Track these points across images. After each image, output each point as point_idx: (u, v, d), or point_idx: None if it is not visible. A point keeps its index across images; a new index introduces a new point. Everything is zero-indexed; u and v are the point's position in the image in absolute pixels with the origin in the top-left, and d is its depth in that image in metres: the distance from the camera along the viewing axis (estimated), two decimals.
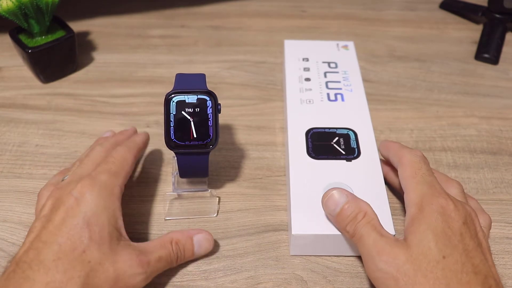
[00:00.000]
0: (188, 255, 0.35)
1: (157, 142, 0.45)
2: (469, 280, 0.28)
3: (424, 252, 0.29)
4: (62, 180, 0.35)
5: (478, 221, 0.32)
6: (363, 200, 0.34)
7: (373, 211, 0.33)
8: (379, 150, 0.40)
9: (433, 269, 0.29)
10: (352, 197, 0.34)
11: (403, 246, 0.30)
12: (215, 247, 0.37)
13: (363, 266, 0.36)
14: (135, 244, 0.33)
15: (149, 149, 0.44)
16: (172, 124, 0.35)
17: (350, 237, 0.33)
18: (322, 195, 0.37)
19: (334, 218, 0.34)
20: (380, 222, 0.33)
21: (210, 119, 0.35)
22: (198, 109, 0.35)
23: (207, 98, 0.35)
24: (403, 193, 0.34)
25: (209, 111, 0.35)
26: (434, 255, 0.29)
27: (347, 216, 0.33)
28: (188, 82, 0.36)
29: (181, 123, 0.35)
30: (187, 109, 0.35)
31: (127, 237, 0.33)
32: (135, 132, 0.42)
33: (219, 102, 0.36)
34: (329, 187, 0.37)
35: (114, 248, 0.31)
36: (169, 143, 0.35)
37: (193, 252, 0.35)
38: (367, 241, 0.31)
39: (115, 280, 0.30)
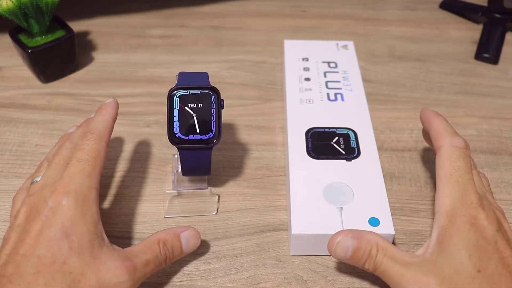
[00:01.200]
0: (177, 254, 0.34)
1: (157, 142, 0.45)
2: None
3: (458, 269, 0.28)
4: (32, 183, 0.33)
5: (508, 223, 0.31)
6: (368, 232, 0.32)
7: (383, 238, 0.32)
8: (420, 117, 0.38)
9: (469, 286, 0.28)
10: (358, 236, 0.32)
11: (433, 268, 0.29)
12: (215, 247, 0.37)
13: None
14: (120, 249, 0.31)
15: (149, 149, 0.44)
16: (175, 119, 0.35)
17: (372, 272, 0.32)
18: (322, 195, 0.37)
19: (349, 261, 0.32)
20: (394, 247, 0.31)
21: (213, 115, 0.35)
22: (201, 104, 0.35)
23: (210, 94, 0.35)
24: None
25: (213, 106, 0.35)
26: (469, 271, 0.28)
27: (361, 257, 0.32)
28: (191, 79, 0.36)
29: (184, 118, 0.35)
30: (190, 105, 0.35)
31: (109, 242, 0.31)
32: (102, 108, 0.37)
33: (222, 98, 0.36)
34: (329, 187, 0.37)
35: (96, 256, 0.29)
36: (172, 139, 0.35)
37: (181, 250, 0.34)
38: (392, 274, 0.30)
39: None
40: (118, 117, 0.47)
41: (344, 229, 0.35)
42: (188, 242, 0.34)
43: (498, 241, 0.29)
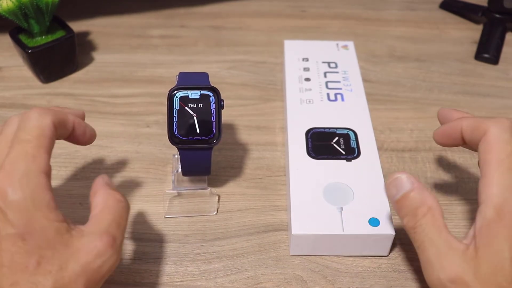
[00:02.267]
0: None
1: (157, 142, 0.45)
2: None
3: (496, 271, 0.25)
4: None
5: None
6: (430, 193, 0.29)
7: (440, 207, 0.28)
8: (438, 117, 0.35)
9: None
10: (419, 187, 0.29)
11: (472, 259, 0.26)
12: (215, 247, 0.37)
13: (363, 266, 0.36)
14: (85, 227, 0.28)
15: (149, 149, 0.44)
16: (175, 119, 0.35)
17: (408, 231, 0.29)
18: (322, 195, 0.37)
19: (393, 204, 0.30)
20: (445, 223, 0.28)
21: (213, 115, 0.35)
22: (202, 104, 0.35)
23: (210, 94, 0.35)
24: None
25: (212, 106, 0.35)
26: (507, 275, 0.25)
27: (406, 206, 0.29)
28: (191, 79, 0.36)
29: (185, 118, 0.35)
30: (190, 105, 0.35)
31: (73, 224, 0.28)
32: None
33: (222, 98, 0.36)
34: (329, 187, 0.37)
35: (69, 244, 0.26)
36: (173, 139, 0.35)
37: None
38: (429, 249, 0.28)
39: (86, 278, 0.26)
40: (118, 117, 0.48)
41: (345, 228, 0.35)
42: (109, 179, 0.31)
43: None
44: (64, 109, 0.32)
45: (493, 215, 0.27)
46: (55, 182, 0.41)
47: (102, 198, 0.30)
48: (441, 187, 0.42)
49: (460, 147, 0.45)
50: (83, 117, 0.34)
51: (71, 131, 0.32)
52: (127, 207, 0.30)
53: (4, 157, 0.27)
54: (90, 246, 0.27)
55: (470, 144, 0.31)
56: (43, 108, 0.29)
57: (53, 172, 0.42)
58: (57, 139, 0.30)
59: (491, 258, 0.26)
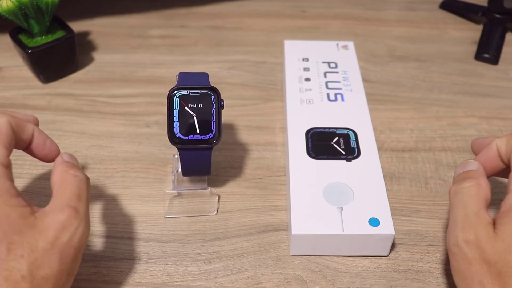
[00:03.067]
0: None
1: (157, 142, 0.45)
2: None
3: (509, 248, 0.27)
4: None
5: None
6: (488, 183, 0.30)
7: (489, 193, 0.30)
8: (472, 149, 0.36)
9: (510, 270, 0.27)
10: (482, 173, 0.31)
11: (491, 235, 0.28)
12: (215, 247, 0.37)
13: (363, 266, 0.36)
14: (48, 207, 0.28)
15: (149, 149, 0.44)
16: (175, 119, 0.35)
17: (449, 196, 0.31)
18: (322, 195, 0.37)
19: (455, 175, 0.32)
20: (485, 203, 0.30)
21: (213, 115, 0.35)
22: (201, 104, 0.35)
23: (210, 94, 0.35)
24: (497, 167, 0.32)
25: (213, 106, 0.35)
26: None
27: (459, 176, 0.31)
28: (191, 79, 0.36)
29: (184, 118, 0.35)
30: (190, 105, 0.35)
31: (36, 206, 0.28)
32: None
33: (222, 98, 0.36)
34: (329, 187, 0.37)
35: (35, 226, 0.27)
36: (173, 139, 0.35)
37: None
38: (459, 211, 0.29)
39: (59, 253, 0.27)
40: (118, 117, 0.48)
41: (345, 228, 0.35)
42: (69, 156, 0.32)
43: None
44: (23, 116, 0.32)
45: None
46: None
47: (58, 176, 0.30)
48: (441, 187, 0.42)
49: (460, 147, 0.46)
50: (36, 123, 0.33)
51: (30, 141, 0.31)
52: (86, 180, 0.30)
53: None
54: (54, 222, 0.27)
55: (508, 160, 0.32)
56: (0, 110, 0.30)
57: None
58: (15, 147, 0.30)
59: (508, 237, 0.27)
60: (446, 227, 0.37)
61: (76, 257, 0.28)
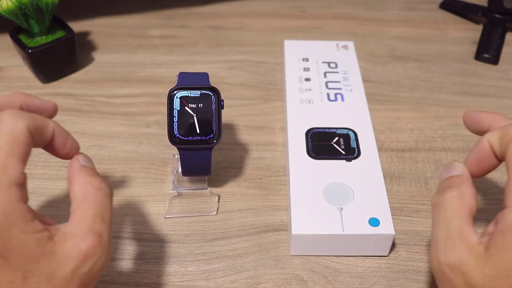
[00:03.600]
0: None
1: (157, 142, 0.45)
2: None
3: (502, 275, 0.24)
4: None
5: None
6: (473, 188, 0.28)
7: (474, 202, 0.27)
8: (464, 122, 0.33)
9: None
10: (466, 178, 0.28)
11: (479, 256, 0.25)
12: (215, 247, 0.37)
13: (363, 266, 0.36)
14: (68, 227, 0.26)
15: (149, 149, 0.44)
16: (175, 119, 0.35)
17: (432, 207, 0.28)
18: (322, 195, 0.37)
19: (440, 181, 0.30)
20: (472, 214, 0.27)
21: (213, 115, 0.35)
22: (202, 104, 0.35)
23: (211, 94, 0.35)
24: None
25: (213, 106, 0.35)
26: (507, 284, 0.24)
27: (443, 184, 0.28)
28: (191, 79, 0.36)
29: (185, 118, 0.35)
30: (190, 105, 0.35)
31: (53, 228, 0.26)
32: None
33: (222, 98, 0.36)
34: (329, 187, 0.37)
35: (53, 253, 0.25)
36: (173, 139, 0.35)
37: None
38: (441, 230, 0.27)
39: (78, 282, 0.25)
40: (118, 117, 0.48)
41: (345, 228, 0.35)
42: (86, 159, 0.29)
43: None
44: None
45: None
46: (55, 182, 0.41)
47: (79, 188, 0.27)
48: None
49: (460, 147, 0.46)
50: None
51: (50, 140, 0.28)
52: (109, 194, 0.28)
53: None
54: (76, 251, 0.25)
55: (503, 156, 0.29)
56: (17, 110, 0.26)
57: (53, 172, 0.42)
58: (34, 147, 0.27)
59: (501, 262, 0.25)
60: None
61: (93, 283, 0.26)
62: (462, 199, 0.27)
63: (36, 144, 0.27)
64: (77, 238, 0.25)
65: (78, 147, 0.29)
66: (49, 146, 0.28)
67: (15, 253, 0.24)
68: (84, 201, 0.26)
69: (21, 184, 0.25)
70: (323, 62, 0.50)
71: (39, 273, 0.24)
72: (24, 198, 0.25)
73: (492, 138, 0.29)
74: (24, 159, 0.25)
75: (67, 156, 0.29)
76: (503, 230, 0.25)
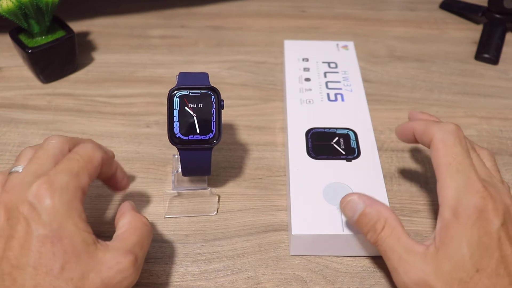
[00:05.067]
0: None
1: (157, 142, 0.45)
2: None
3: (457, 267, 0.27)
4: (10, 173, 0.30)
5: None
6: (383, 205, 0.31)
7: (395, 216, 0.31)
8: (396, 133, 0.37)
9: (465, 285, 0.27)
10: (371, 203, 0.31)
11: (433, 260, 0.28)
12: (215, 247, 0.37)
13: (363, 266, 0.36)
14: (111, 243, 0.30)
15: (149, 149, 0.44)
16: (175, 119, 0.35)
17: (372, 244, 0.31)
18: (322, 195, 0.37)
19: (354, 224, 0.32)
20: (403, 229, 0.30)
21: (213, 115, 0.35)
22: (202, 104, 0.35)
23: (211, 94, 0.35)
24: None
25: (213, 106, 0.35)
26: (468, 270, 0.27)
27: (365, 224, 0.31)
28: (191, 79, 0.36)
29: (185, 118, 0.35)
30: (190, 105, 0.35)
31: (97, 239, 0.29)
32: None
33: (222, 98, 0.36)
34: (329, 187, 0.37)
35: (94, 256, 0.28)
36: (173, 139, 0.35)
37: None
38: (392, 257, 0.30)
39: None
40: (118, 117, 0.48)
41: (345, 228, 0.35)
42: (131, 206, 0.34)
43: (502, 238, 0.28)
44: (110, 152, 0.35)
45: (451, 216, 0.29)
46: None
47: (128, 220, 0.32)
48: None
49: None
50: (113, 156, 0.35)
51: (112, 174, 0.34)
52: (151, 232, 0.32)
53: (46, 167, 0.29)
54: (113, 261, 0.28)
55: (422, 144, 0.34)
56: (97, 143, 0.33)
57: None
58: (98, 177, 0.33)
59: (451, 255, 0.28)
60: None
61: None
62: (390, 223, 0.30)
63: (101, 175, 0.33)
64: (118, 251, 0.29)
65: (128, 184, 0.36)
66: (110, 179, 0.35)
67: (63, 242, 0.27)
68: (131, 229, 0.31)
69: (84, 193, 0.30)
70: (323, 62, 0.50)
71: (75, 269, 0.27)
72: (83, 202, 0.29)
73: (416, 129, 0.33)
74: (92, 176, 0.31)
75: (118, 190, 0.36)
76: (443, 227, 0.29)
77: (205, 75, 0.37)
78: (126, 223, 0.31)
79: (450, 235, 0.28)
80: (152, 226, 0.33)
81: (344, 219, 0.35)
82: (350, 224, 0.35)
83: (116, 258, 0.28)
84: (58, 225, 0.27)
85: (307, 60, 0.50)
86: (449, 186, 0.29)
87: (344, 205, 0.32)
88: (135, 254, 0.29)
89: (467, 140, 0.33)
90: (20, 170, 0.30)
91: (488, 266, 0.27)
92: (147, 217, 0.39)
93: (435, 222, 0.39)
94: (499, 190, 0.30)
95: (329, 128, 0.42)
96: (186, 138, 0.35)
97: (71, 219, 0.28)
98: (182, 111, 0.35)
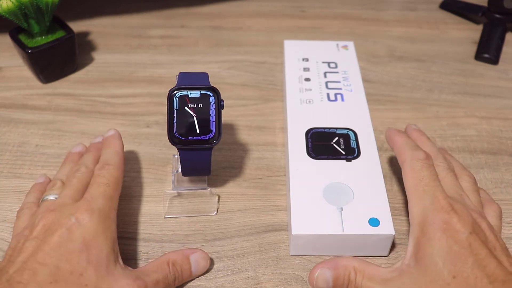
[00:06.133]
0: (186, 276, 0.34)
1: (157, 142, 0.45)
2: None
3: (433, 279, 0.29)
4: (44, 200, 0.34)
5: (487, 222, 0.31)
6: (343, 258, 0.33)
7: (359, 261, 0.32)
8: (386, 137, 0.39)
9: None
10: (334, 265, 0.32)
11: (410, 280, 0.30)
12: (215, 247, 0.37)
13: None
14: (131, 269, 0.32)
15: (149, 149, 0.44)
16: (175, 119, 0.35)
17: None
18: (322, 195, 0.37)
19: None
20: (372, 266, 0.32)
21: (213, 115, 0.35)
22: (201, 104, 0.35)
23: (210, 94, 0.35)
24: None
25: (212, 107, 0.35)
26: (444, 278, 0.28)
27: (341, 284, 0.32)
28: (191, 79, 0.36)
29: (184, 118, 0.35)
30: (190, 105, 0.35)
31: (122, 261, 0.32)
32: (105, 139, 0.39)
33: (222, 98, 0.36)
34: (329, 187, 0.37)
35: (111, 272, 0.30)
36: (172, 139, 0.35)
37: (190, 272, 0.34)
38: None
39: None
40: (118, 117, 0.48)
41: (345, 228, 0.35)
42: (197, 264, 0.34)
43: (472, 243, 0.29)
44: (117, 149, 0.38)
45: (419, 233, 0.31)
46: None
47: (168, 259, 0.34)
48: None
49: (460, 148, 0.46)
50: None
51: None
52: (172, 285, 0.33)
53: (80, 193, 0.34)
54: (124, 281, 0.30)
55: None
56: (116, 162, 0.36)
57: (53, 172, 0.42)
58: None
59: (425, 267, 0.29)
60: None
61: None
62: (360, 271, 0.32)
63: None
64: (131, 276, 0.31)
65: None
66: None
67: (90, 253, 0.30)
68: (157, 267, 0.33)
69: (116, 213, 0.34)
70: (323, 62, 0.50)
71: (91, 278, 0.29)
72: (116, 223, 0.33)
73: (395, 146, 0.37)
74: (119, 197, 0.35)
75: None
76: (414, 244, 0.31)
77: (205, 75, 0.37)
78: (164, 259, 0.33)
79: (421, 250, 0.30)
80: (180, 274, 0.34)
81: (344, 219, 0.35)
82: (350, 224, 0.35)
83: (127, 280, 0.30)
84: (91, 238, 0.30)
85: (307, 60, 0.50)
86: (416, 205, 0.32)
87: (315, 282, 0.33)
88: (146, 283, 0.31)
89: (449, 161, 0.36)
90: (52, 198, 0.34)
91: (463, 271, 0.28)
92: (147, 217, 0.39)
93: None
94: (467, 206, 0.32)
95: (329, 128, 0.42)
96: (186, 138, 0.35)
97: (104, 234, 0.31)
98: (182, 111, 0.35)
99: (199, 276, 0.35)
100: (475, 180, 0.36)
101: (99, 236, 0.31)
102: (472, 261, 0.28)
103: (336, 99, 0.45)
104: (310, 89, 0.46)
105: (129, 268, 0.32)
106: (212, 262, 0.36)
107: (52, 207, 0.32)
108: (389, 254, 0.37)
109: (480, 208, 0.33)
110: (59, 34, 0.50)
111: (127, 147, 0.45)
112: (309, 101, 0.45)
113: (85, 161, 0.37)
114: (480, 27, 0.61)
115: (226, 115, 0.47)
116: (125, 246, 0.37)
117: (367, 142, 0.41)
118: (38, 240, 0.30)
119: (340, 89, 0.46)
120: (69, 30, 0.50)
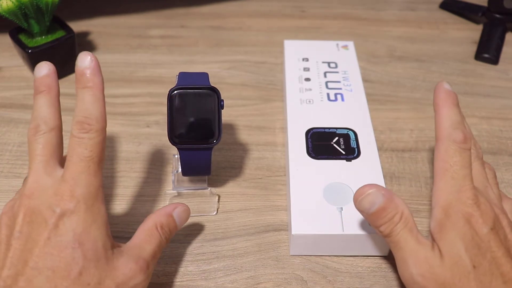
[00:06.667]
0: (173, 233, 0.34)
1: (157, 142, 0.45)
2: None
3: (456, 261, 0.29)
4: (25, 179, 0.30)
5: (508, 220, 0.31)
6: (398, 198, 0.31)
7: (409, 210, 0.31)
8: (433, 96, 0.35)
9: (465, 280, 0.28)
10: (389, 196, 0.31)
11: (438, 255, 0.29)
12: (215, 247, 0.37)
13: (362, 266, 0.36)
14: (123, 246, 0.30)
15: (149, 149, 0.44)
16: (175, 119, 0.35)
17: (383, 236, 0.31)
18: (322, 195, 0.37)
19: (368, 216, 0.32)
20: (414, 222, 0.31)
21: (213, 115, 0.35)
22: (201, 104, 0.35)
23: (210, 94, 0.35)
24: None
25: (212, 106, 0.35)
26: (466, 265, 0.28)
27: (383, 217, 0.31)
28: (191, 79, 0.36)
29: (184, 118, 0.35)
30: (190, 105, 0.35)
31: (113, 240, 0.30)
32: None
33: (222, 98, 0.36)
34: (329, 187, 0.37)
35: (110, 261, 0.28)
36: (172, 139, 0.35)
37: (176, 228, 0.34)
38: (404, 248, 0.30)
39: None
40: (118, 117, 0.48)
41: (345, 228, 0.35)
42: (180, 218, 0.34)
43: (492, 240, 0.29)
44: (97, 94, 0.31)
45: (443, 216, 0.30)
46: None
47: (148, 227, 0.32)
48: None
49: None
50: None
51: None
52: (166, 243, 0.33)
53: (58, 148, 0.31)
54: (126, 267, 0.29)
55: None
56: (97, 118, 0.30)
57: None
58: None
59: (448, 250, 0.29)
60: None
61: None
62: (406, 217, 0.31)
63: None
64: (131, 257, 0.29)
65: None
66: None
67: (84, 248, 0.27)
68: (148, 236, 0.32)
69: (103, 186, 0.29)
70: (323, 62, 0.50)
71: (93, 274, 0.27)
72: (105, 200, 0.30)
73: (438, 119, 0.33)
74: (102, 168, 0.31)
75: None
76: (437, 225, 0.30)
77: (205, 75, 0.37)
78: (145, 230, 0.32)
79: (444, 231, 0.30)
80: (169, 234, 0.33)
81: (344, 219, 0.35)
82: (350, 224, 0.35)
83: (129, 264, 0.29)
84: (81, 230, 0.27)
85: (307, 60, 0.50)
86: (442, 189, 0.31)
87: (362, 198, 0.31)
88: (147, 261, 0.30)
89: (478, 148, 0.35)
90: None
91: (482, 264, 0.28)
92: (146, 217, 0.39)
93: None
94: (490, 200, 0.31)
95: (329, 128, 0.42)
96: (186, 138, 0.35)
97: (95, 223, 0.28)
98: (182, 111, 0.35)
99: (201, 257, 0.36)
100: (495, 172, 0.36)
101: (90, 226, 0.28)
102: (490, 257, 0.28)
103: (336, 99, 0.45)
104: (310, 89, 0.46)
105: (123, 246, 0.30)
106: (216, 243, 0.36)
107: (27, 192, 0.28)
108: (389, 254, 0.37)
109: (501, 203, 0.33)
110: (59, 34, 0.50)
111: (127, 147, 0.45)
112: (309, 101, 0.45)
113: (41, 113, 0.31)
114: (480, 27, 0.61)
115: (226, 115, 0.47)
116: None
117: (367, 142, 0.41)
118: (23, 237, 0.27)
119: (340, 89, 0.46)
120: (69, 30, 0.50)
